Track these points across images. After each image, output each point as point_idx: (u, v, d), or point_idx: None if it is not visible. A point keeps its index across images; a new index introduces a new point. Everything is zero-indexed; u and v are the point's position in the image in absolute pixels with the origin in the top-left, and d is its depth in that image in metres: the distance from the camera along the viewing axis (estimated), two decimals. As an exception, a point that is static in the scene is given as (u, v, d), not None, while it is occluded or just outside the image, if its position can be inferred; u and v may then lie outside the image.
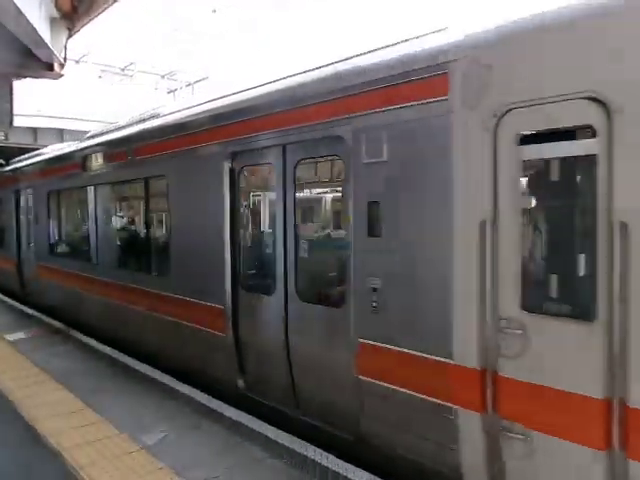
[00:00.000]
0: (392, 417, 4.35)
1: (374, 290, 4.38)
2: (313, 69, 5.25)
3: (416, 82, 3.99)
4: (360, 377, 4.57)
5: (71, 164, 10.05)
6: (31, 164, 12.81)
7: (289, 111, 5.18)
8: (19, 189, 13.43)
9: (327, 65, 5.05)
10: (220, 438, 5.34)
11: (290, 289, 5.31)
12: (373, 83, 4.31)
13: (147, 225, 7.93)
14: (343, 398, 4.84)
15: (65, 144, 12.30)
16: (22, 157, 14.51)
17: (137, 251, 8.24)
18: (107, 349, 8.46)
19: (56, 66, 11.96)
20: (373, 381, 4.45)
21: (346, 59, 4.80)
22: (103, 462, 4.81)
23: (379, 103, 4.25)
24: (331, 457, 4.64)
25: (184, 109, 7.03)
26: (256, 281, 6.01)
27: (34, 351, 8.70)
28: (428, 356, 3.98)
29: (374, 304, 4.38)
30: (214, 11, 32.27)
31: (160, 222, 7.68)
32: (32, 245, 12.51)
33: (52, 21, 10.89)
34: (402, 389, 4.21)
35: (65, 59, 12.00)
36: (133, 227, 8.53)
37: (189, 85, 30.51)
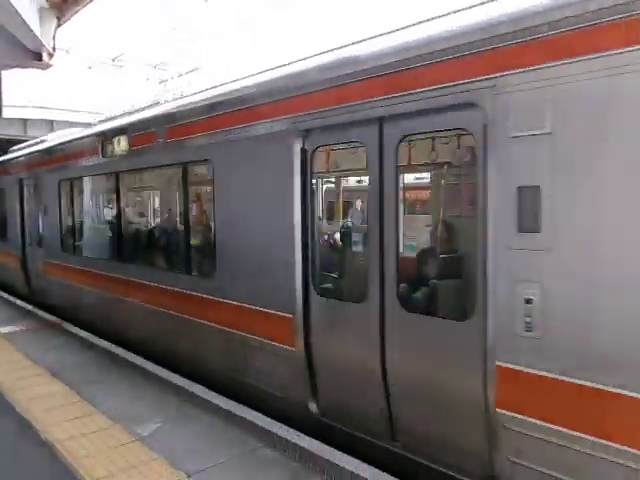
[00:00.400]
0: (555, 466, 3.33)
1: (528, 302, 3.39)
2: (419, 23, 4.24)
3: (602, 26, 2.99)
4: (500, 411, 3.57)
5: (88, 149, 8.88)
6: (38, 151, 11.58)
7: (390, 75, 4.14)
8: (24, 178, 12.18)
9: (444, 16, 4.03)
10: (216, 429, 5.18)
11: (389, 295, 4.28)
12: (534, 31, 3.27)
13: (184, 218, 6.77)
14: (467, 434, 3.83)
15: (76, 129, 11.15)
16: (27, 143, 13.34)
17: (171, 248, 7.19)
18: (103, 342, 8.16)
19: (45, 56, 11.60)
20: (523, 418, 3.44)
21: (482, 3, 3.77)
22: (98, 454, 4.71)
23: (543, 57, 3.22)
24: (329, 448, 4.46)
25: (235, 80, 5.95)
26: (337, 285, 4.98)
27: (28, 344, 8.43)
28: (631, 394, 3.00)
29: (528, 319, 3.39)
30: (206, 0, 31.29)
31: (202, 214, 6.64)
32: (40, 240, 11.38)
33: (41, 11, 10.52)
34: (580, 434, 3.15)
35: (54, 49, 11.66)
36: (165, 220, 7.45)
37: (180, 76, 29.59)
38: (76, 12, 11.40)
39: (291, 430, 4.84)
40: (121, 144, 7.85)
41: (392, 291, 4.23)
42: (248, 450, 4.72)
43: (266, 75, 5.44)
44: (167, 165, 7.00)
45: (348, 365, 4.67)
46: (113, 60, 30.95)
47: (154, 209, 8.01)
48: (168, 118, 6.76)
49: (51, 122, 31.31)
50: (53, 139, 11.40)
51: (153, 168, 7.44)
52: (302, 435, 4.74)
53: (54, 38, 11.38)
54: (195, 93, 6.57)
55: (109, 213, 8.44)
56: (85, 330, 8.97)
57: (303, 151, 4.89)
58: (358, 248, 4.62)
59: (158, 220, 7.76)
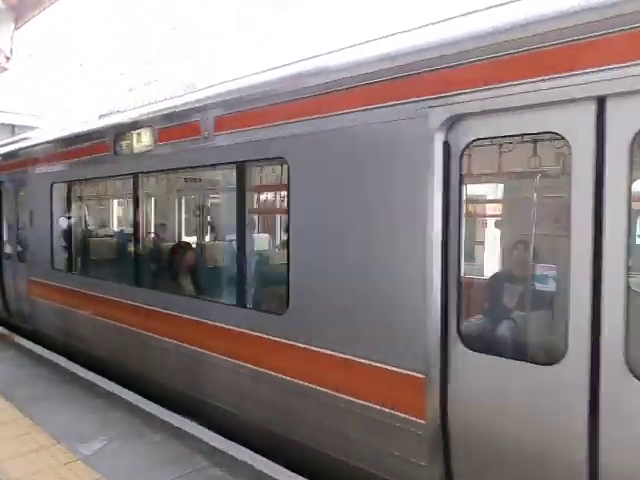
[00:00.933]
0: None
1: None
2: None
3: None
4: None
5: (94, 146, 7.36)
6: (22, 149, 9.87)
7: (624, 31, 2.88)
8: (2, 180, 10.45)
9: None
10: (164, 447, 4.94)
11: (610, 354, 2.94)
12: None
13: (239, 233, 5.18)
14: None
15: (72, 123, 9.50)
16: (4, 141, 11.65)
17: (213, 271, 5.70)
18: (52, 355, 7.85)
19: (1, 59, 11.25)
20: None
21: None
22: (36, 475, 4.45)
23: None
24: (277, 466, 4.46)
25: (333, 51, 4.58)
26: (506, 334, 3.64)
27: (-29, 357, 7.79)
28: None
29: None
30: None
31: (264, 229, 5.20)
32: (23, 254, 9.67)
33: (-3, 12, 9.64)
34: None
35: (11, 52, 11.32)
36: (204, 234, 5.96)
37: (147, 84, 28.31)
38: (34, 16, 11.16)
39: (242, 449, 4.74)
40: (142, 139, 6.36)
41: (616, 350, 2.90)
42: (195, 469, 4.54)
43: (388, 44, 4.08)
44: (213, 164, 5.55)
45: (520, 452, 3.31)
46: (80, 66, 29.47)
47: (186, 219, 6.46)
48: (219, 104, 5.32)
49: (12, 126, 29.91)
50: (41, 135, 9.75)
51: (190, 168, 5.98)
52: (249, 452, 4.69)
53: (12, 40, 11.14)
54: (260, 72, 5.15)
55: (124, 224, 6.86)
56: (75, 360, 7.48)
57: (447, 146, 3.55)
58: (547, 285, 3.29)
59: (194, 234, 6.24)
